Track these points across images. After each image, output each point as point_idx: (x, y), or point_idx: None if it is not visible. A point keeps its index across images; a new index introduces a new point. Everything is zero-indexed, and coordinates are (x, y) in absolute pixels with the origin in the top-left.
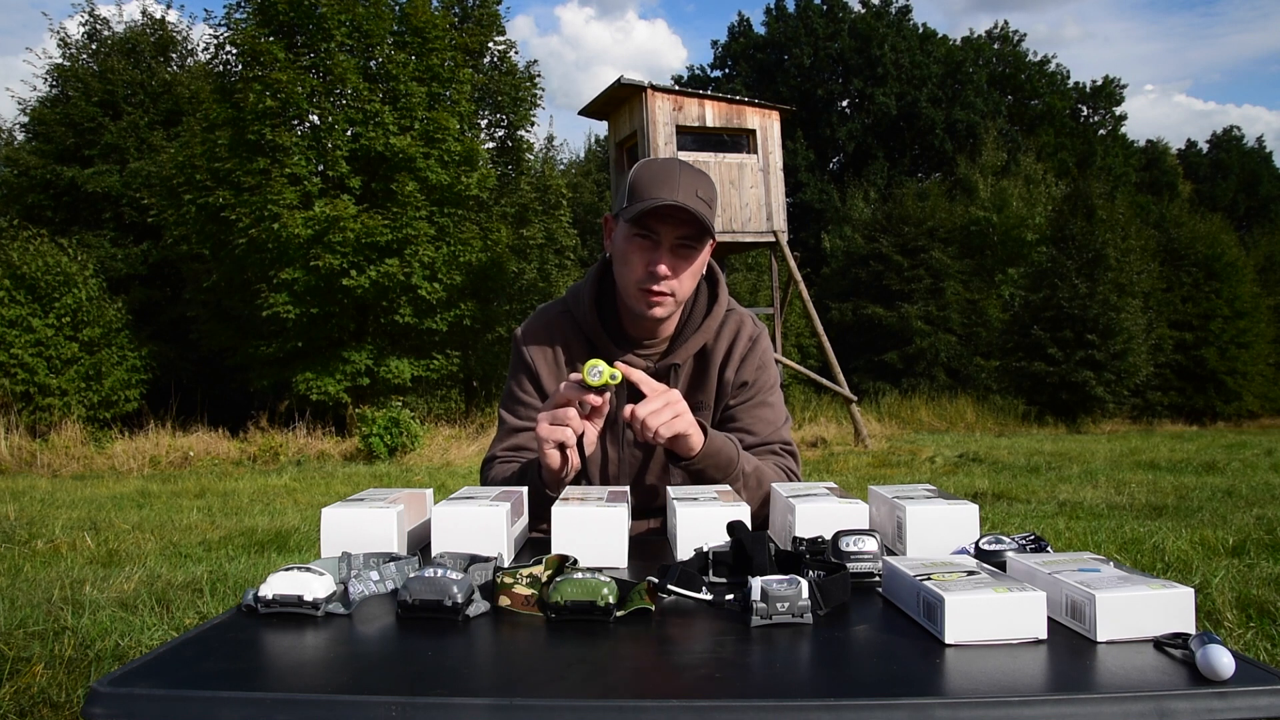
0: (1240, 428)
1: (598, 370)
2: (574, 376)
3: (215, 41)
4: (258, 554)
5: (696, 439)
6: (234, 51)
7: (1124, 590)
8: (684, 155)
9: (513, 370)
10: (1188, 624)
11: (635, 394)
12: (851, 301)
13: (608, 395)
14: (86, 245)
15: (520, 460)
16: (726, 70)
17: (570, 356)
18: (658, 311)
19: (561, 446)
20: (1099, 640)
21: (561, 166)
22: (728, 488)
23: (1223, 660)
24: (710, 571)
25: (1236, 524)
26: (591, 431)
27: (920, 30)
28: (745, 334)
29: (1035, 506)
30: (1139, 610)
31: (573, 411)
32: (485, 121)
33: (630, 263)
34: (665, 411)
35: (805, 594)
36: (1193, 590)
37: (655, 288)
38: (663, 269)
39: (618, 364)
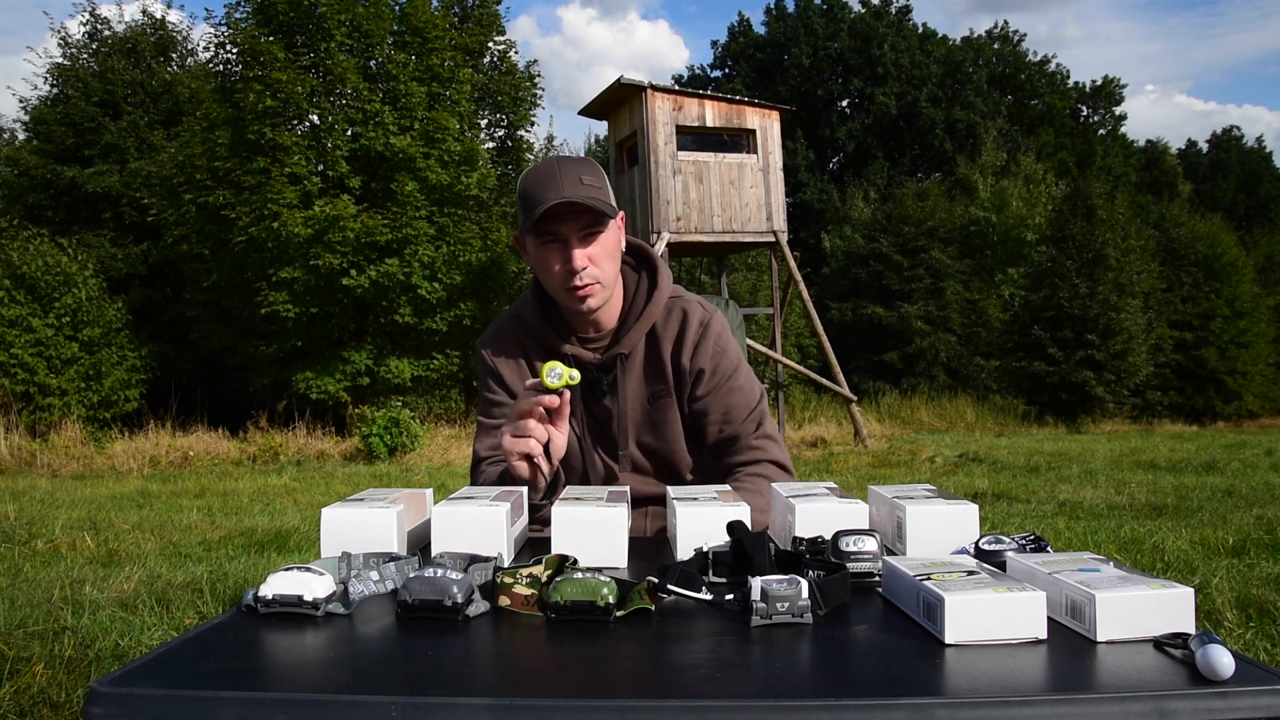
0: (1240, 428)
1: (556, 372)
2: (531, 382)
3: (215, 41)
4: (258, 554)
5: None
6: (234, 51)
7: (1124, 590)
8: (684, 155)
9: (480, 378)
10: (1188, 624)
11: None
12: (851, 301)
13: (567, 394)
14: (86, 245)
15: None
16: (726, 70)
17: (525, 355)
18: (591, 303)
19: (529, 457)
20: (1099, 640)
21: None
22: (727, 487)
23: (1223, 660)
24: (710, 571)
25: (1236, 524)
26: (558, 436)
27: (920, 30)
28: (695, 321)
29: (1035, 506)
30: (1139, 610)
31: (533, 422)
32: (485, 121)
33: (548, 269)
34: None
35: (805, 594)
36: (1193, 590)
37: (578, 282)
38: (578, 261)
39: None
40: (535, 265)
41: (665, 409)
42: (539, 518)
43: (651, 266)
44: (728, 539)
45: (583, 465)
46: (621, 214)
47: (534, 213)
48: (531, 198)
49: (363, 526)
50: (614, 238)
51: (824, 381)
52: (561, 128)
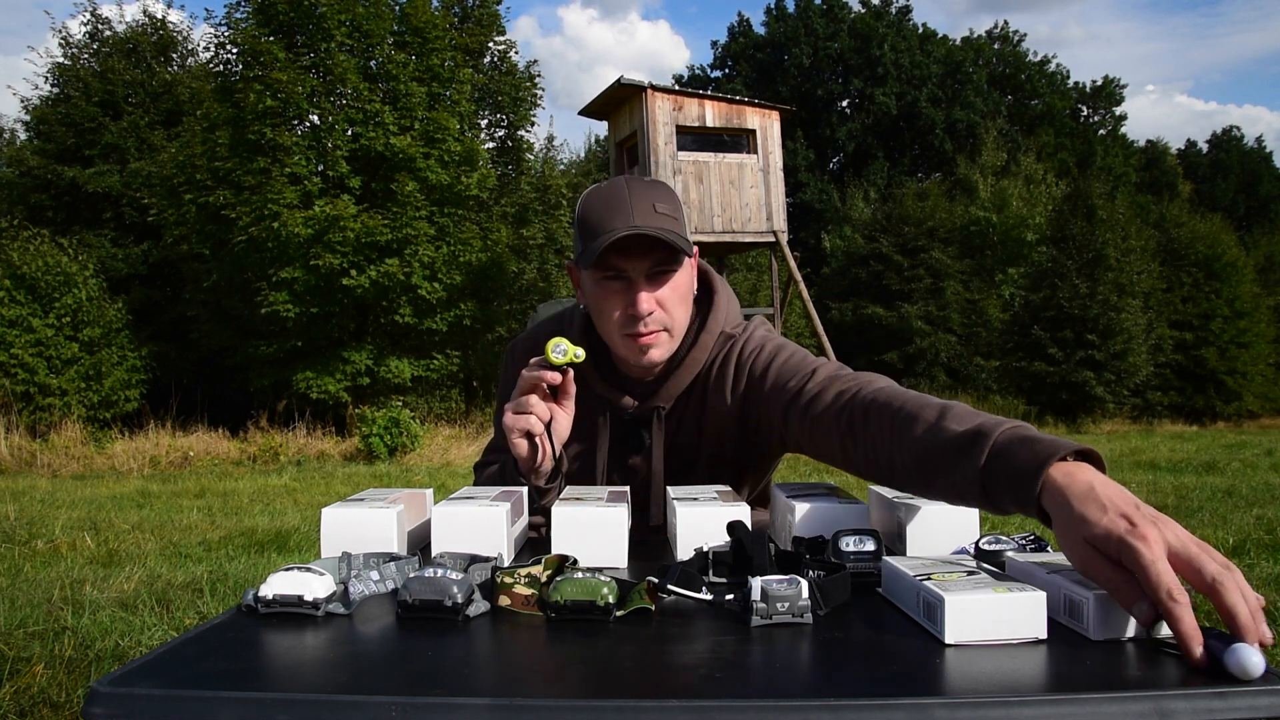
0: (1240, 428)
1: (561, 348)
2: (535, 359)
3: (215, 41)
4: (258, 554)
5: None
6: (234, 51)
7: None
8: (684, 155)
9: (502, 388)
10: None
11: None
12: (851, 301)
13: (570, 373)
14: (87, 245)
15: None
16: (726, 70)
17: None
18: (654, 355)
19: (529, 435)
20: (1095, 639)
21: (562, 166)
22: (728, 488)
23: (1253, 660)
24: (710, 571)
25: (1236, 524)
26: (562, 415)
27: (920, 30)
28: (732, 362)
29: None
30: None
31: (535, 398)
32: (485, 121)
33: (605, 311)
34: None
35: (805, 594)
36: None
37: (641, 329)
38: (643, 305)
39: None
40: (591, 306)
41: (690, 466)
42: (540, 506)
43: (705, 296)
44: (728, 539)
45: None
46: (695, 249)
47: (595, 244)
48: (594, 225)
49: (363, 526)
50: (687, 278)
51: None
52: (562, 128)
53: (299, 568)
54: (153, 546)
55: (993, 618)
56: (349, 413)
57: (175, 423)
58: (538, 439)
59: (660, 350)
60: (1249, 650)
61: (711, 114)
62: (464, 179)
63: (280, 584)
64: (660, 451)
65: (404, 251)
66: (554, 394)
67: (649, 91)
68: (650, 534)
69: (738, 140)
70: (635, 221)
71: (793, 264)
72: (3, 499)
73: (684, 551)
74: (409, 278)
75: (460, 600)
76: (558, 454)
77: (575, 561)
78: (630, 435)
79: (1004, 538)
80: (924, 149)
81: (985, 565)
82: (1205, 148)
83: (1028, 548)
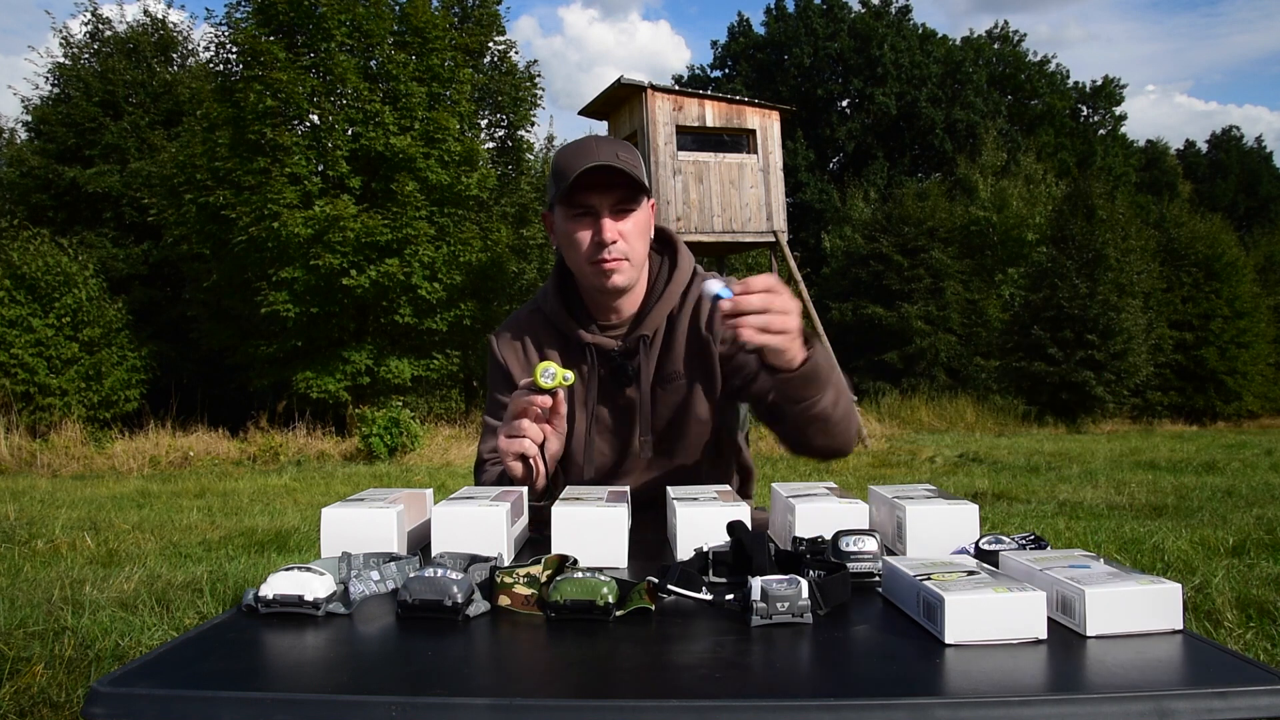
0: (1240, 428)
1: (550, 372)
2: (525, 382)
3: (216, 41)
4: (258, 554)
5: (796, 354)
6: (234, 51)
7: (1113, 586)
8: (684, 155)
9: (490, 375)
10: (1176, 620)
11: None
12: (851, 301)
13: (561, 394)
14: (87, 245)
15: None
16: (726, 70)
17: (540, 351)
18: (618, 280)
19: (523, 457)
20: (1088, 635)
21: None
22: (728, 487)
23: (712, 285)
24: (710, 571)
25: (1236, 524)
26: (554, 437)
27: (920, 30)
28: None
29: (1035, 506)
30: (1128, 606)
31: (528, 422)
32: (485, 121)
33: (575, 242)
34: (766, 316)
35: (805, 594)
36: (1180, 586)
37: (606, 255)
38: (608, 233)
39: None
40: (562, 240)
41: (675, 392)
42: (536, 519)
43: (672, 248)
44: (728, 539)
45: (583, 459)
46: (653, 201)
47: (566, 180)
48: (564, 167)
49: (363, 526)
50: (646, 217)
51: None
52: (562, 128)
53: (299, 568)
54: (153, 546)
55: (992, 618)
56: (349, 413)
57: (175, 423)
58: (531, 460)
59: (623, 276)
60: (713, 280)
61: (711, 114)
62: (464, 179)
63: (280, 584)
64: (648, 377)
65: (404, 251)
66: (545, 414)
67: (649, 91)
68: (650, 533)
69: (738, 140)
70: (600, 160)
71: (793, 264)
72: (3, 499)
73: (684, 551)
74: (409, 278)
75: (460, 600)
76: (551, 472)
77: (575, 561)
78: (620, 370)
79: (1004, 538)
80: (924, 149)
81: (985, 565)
82: (1205, 148)
83: (1028, 548)
